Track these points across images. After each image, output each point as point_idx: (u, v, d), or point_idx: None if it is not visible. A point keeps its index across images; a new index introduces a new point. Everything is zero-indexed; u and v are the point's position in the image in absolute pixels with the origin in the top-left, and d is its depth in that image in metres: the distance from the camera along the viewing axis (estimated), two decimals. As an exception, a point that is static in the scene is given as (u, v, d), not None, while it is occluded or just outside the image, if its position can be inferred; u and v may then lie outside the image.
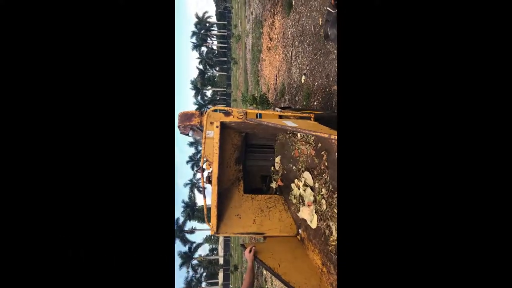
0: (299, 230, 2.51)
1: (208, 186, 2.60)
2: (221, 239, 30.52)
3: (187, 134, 3.03)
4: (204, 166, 2.68)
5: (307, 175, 2.31)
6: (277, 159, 2.97)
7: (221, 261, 28.81)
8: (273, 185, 3.03)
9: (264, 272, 7.46)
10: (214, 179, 2.43)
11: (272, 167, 3.10)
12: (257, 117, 2.68)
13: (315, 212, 2.18)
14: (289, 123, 2.34)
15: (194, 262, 29.12)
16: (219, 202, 2.46)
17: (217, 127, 2.41)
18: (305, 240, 2.38)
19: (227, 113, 2.56)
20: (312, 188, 2.24)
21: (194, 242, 29.62)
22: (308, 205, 2.25)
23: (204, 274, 31.02)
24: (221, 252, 29.23)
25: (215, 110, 2.59)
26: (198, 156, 33.75)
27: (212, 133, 2.51)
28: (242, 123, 2.52)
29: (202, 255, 31.44)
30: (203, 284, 29.88)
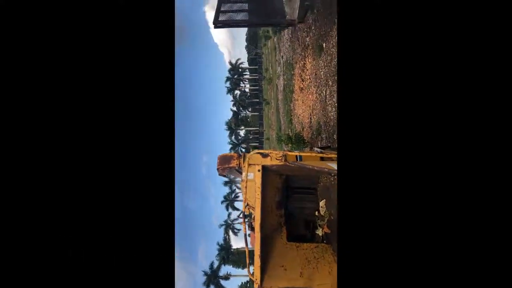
0: None
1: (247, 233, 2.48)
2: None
3: (225, 176, 3.04)
4: (245, 211, 2.60)
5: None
6: (322, 203, 2.78)
7: (257, 311, 26.49)
8: (319, 232, 2.80)
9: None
10: (257, 226, 2.32)
11: (317, 212, 2.89)
12: (297, 159, 2.60)
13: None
14: (334, 165, 2.21)
15: (229, 311, 27.07)
16: (262, 251, 2.30)
17: (258, 170, 2.37)
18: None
19: (265, 155, 2.54)
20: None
21: (229, 289, 27.96)
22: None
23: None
24: (257, 300, 27.05)
25: (255, 153, 2.58)
26: (233, 195, 33.74)
27: (253, 175, 2.47)
28: (283, 166, 2.46)
29: (237, 304, 29.33)
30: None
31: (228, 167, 2.86)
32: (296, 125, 8.25)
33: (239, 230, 34.85)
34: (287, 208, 2.94)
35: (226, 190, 34.51)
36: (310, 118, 6.43)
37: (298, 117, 7.98)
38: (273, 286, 2.29)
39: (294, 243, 2.64)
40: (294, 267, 2.42)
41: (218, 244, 30.35)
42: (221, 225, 30.69)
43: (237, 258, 32.90)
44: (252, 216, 2.51)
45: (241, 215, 2.55)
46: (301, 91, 7.76)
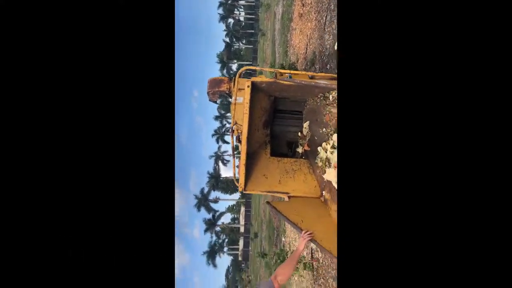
0: (323, 192, 2.57)
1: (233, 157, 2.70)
2: (242, 210, 31.88)
3: (216, 102, 3.09)
4: (233, 127, 2.77)
5: (336, 137, 2.31)
6: (305, 125, 2.98)
7: (242, 229, 30.39)
8: (299, 149, 3.07)
9: (283, 239, 7.80)
10: (244, 139, 2.52)
11: (299, 133, 3.11)
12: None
13: (342, 174, 2.21)
14: (323, 81, 2.30)
15: (217, 229, 31.02)
16: (248, 163, 2.56)
17: (248, 86, 2.43)
18: (329, 202, 2.45)
19: (258, 72, 2.57)
20: (340, 150, 2.25)
21: (217, 211, 31.32)
22: (335, 167, 2.28)
23: (226, 240, 33.02)
24: (242, 221, 30.72)
25: (245, 71, 2.60)
26: (223, 129, 34.33)
27: (242, 99, 2.55)
28: (273, 84, 2.53)
29: (225, 223, 33.31)
30: (225, 249, 31.97)
31: (218, 90, 2.89)
32: (291, 57, 7.95)
33: (228, 161, 36.77)
34: (272, 129, 3.14)
35: (217, 124, 34.90)
36: (306, 48, 6.17)
37: (294, 48, 7.62)
38: (255, 189, 2.64)
39: (276, 158, 2.93)
40: (274, 176, 2.75)
41: (208, 173, 32.43)
42: (211, 156, 32.19)
43: (226, 186, 35.65)
44: (240, 131, 2.69)
45: (229, 130, 2.72)
46: (300, 18, 7.20)
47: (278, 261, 5.03)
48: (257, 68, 2.58)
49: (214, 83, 2.91)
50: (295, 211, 2.42)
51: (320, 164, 2.59)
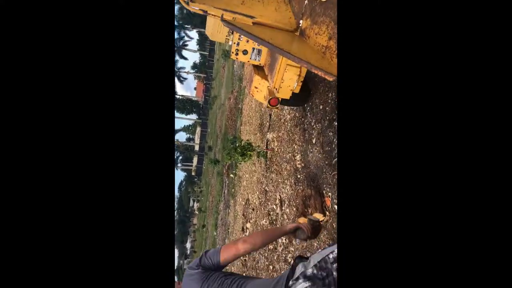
0: (301, 21, 1.91)
1: None
2: (198, 130, 31.51)
3: None
4: None
5: None
6: None
7: (196, 148, 30.61)
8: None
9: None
10: None
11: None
12: None
13: (336, -30, 1.50)
14: None
15: (171, 146, 30.60)
16: None
17: None
18: (308, 29, 1.82)
19: None
20: None
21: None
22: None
23: (180, 157, 33.44)
24: (197, 140, 30.67)
25: None
26: (181, 43, 30.45)
27: None
28: None
29: (179, 141, 33.05)
30: (179, 165, 32.67)
31: None
32: None
33: (185, 78, 34.10)
34: None
35: (175, 35, 30.64)
36: None
37: None
38: (206, 2, 1.84)
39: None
40: (236, -5, 1.96)
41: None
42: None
43: (182, 105, 34.04)
44: None
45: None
46: None
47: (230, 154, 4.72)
48: None
49: None
50: (262, 33, 1.75)
51: (302, -21, 1.83)
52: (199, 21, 28.55)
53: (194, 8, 1.90)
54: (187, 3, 1.84)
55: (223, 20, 1.79)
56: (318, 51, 1.66)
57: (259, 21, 1.93)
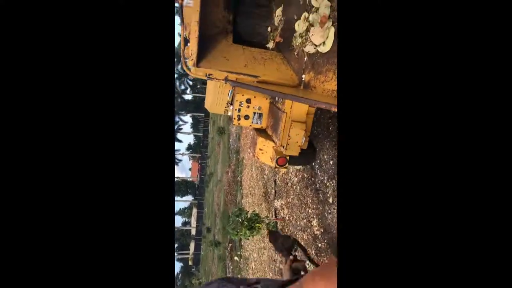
0: (303, 76, 1.97)
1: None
2: (194, 211, 30.07)
3: None
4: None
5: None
6: (278, 11, 2.37)
7: (193, 232, 28.49)
8: (270, 45, 2.44)
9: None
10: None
11: (269, 27, 2.49)
12: None
13: (332, 25, 1.63)
14: None
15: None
16: (201, 44, 1.81)
17: None
18: (312, 81, 1.85)
19: None
20: (330, -3, 1.67)
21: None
22: (322, 22, 1.69)
23: (176, 245, 30.69)
24: (194, 223, 28.85)
25: None
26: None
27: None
28: None
29: (175, 226, 30.99)
30: (174, 255, 29.62)
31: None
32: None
33: (180, 160, 34.70)
34: (236, 24, 2.46)
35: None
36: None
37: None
38: (212, 67, 1.90)
39: (241, 45, 2.25)
40: (238, 60, 2.07)
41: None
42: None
43: (177, 187, 33.43)
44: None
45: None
46: None
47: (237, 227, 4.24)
48: None
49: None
50: (268, 88, 1.75)
51: (298, 42, 1.98)
52: (192, 106, 31.20)
53: (198, 73, 1.96)
54: (190, 69, 1.90)
55: (227, 80, 1.81)
56: (329, 96, 1.64)
57: (262, 80, 1.98)
